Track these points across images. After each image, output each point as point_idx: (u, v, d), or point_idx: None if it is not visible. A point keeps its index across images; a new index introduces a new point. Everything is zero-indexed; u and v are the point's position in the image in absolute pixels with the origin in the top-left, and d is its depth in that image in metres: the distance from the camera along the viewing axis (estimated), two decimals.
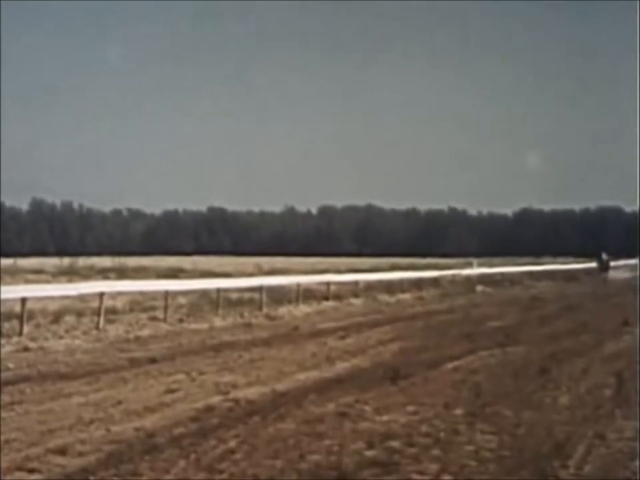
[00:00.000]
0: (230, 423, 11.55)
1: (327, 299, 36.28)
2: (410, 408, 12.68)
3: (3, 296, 22.84)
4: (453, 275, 53.25)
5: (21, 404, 12.90)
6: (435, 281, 48.48)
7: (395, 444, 10.32)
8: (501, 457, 9.77)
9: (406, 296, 41.09)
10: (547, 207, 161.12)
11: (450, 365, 17.31)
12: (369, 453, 9.88)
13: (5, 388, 14.17)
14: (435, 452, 9.96)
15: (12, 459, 9.42)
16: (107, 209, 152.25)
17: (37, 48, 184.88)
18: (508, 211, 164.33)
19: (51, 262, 58.43)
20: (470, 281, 50.92)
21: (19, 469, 9.05)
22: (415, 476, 9.01)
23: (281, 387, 14.66)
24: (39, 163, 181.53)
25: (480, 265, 63.22)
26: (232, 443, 10.25)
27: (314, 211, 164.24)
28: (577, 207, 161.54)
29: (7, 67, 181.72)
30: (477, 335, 22.82)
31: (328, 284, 38.63)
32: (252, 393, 13.98)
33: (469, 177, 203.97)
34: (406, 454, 9.86)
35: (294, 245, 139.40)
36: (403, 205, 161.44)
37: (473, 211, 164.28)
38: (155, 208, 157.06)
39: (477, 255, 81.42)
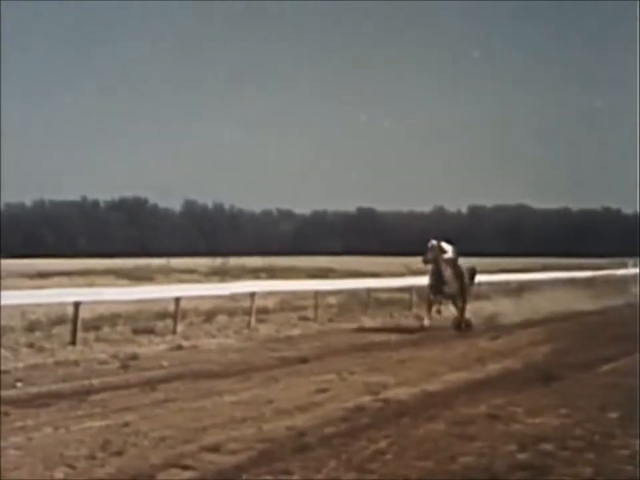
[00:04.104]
0: (380, 423, 11.51)
1: (477, 298, 35.86)
2: (563, 410, 12.41)
3: (158, 295, 23.48)
4: (607, 275, 52.04)
5: (174, 401, 13.15)
6: (587, 282, 47.42)
7: (547, 447, 10.11)
8: None
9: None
10: None
11: (604, 367, 16.91)
12: (521, 456, 9.70)
13: (159, 385, 14.49)
14: (589, 455, 9.71)
15: (166, 456, 9.59)
16: (257, 209, 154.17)
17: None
18: None
19: (202, 262, 59.58)
20: (624, 282, 49.61)
21: (173, 465, 9.18)
22: None
23: (431, 387, 14.58)
24: (190, 165, 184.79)
25: (635, 266, 61.50)
26: (382, 444, 10.21)
27: (463, 210, 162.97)
28: None
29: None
30: (632, 336, 22.21)
31: (478, 284, 38.23)
32: (402, 393, 13.94)
33: (623, 176, 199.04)
34: (559, 457, 9.65)
35: None
36: (554, 204, 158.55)
37: (628, 210, 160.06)
38: (304, 208, 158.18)
39: (632, 255, 79.09)
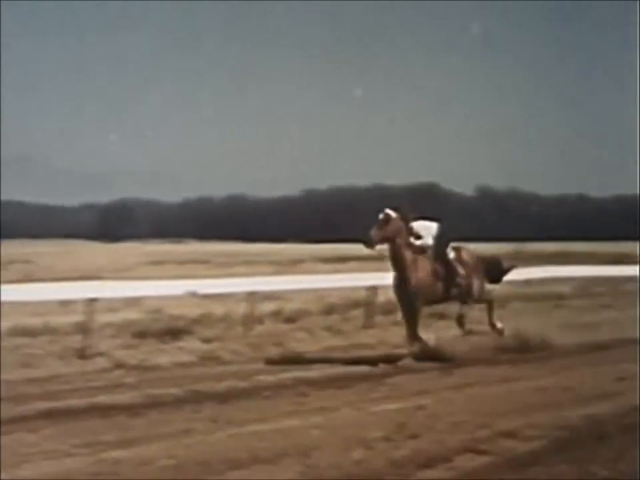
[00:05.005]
0: None
1: None
2: None
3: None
4: None
5: (469, 386, 13.16)
6: None
7: None
8: None
9: None
10: None
11: None
12: None
13: (455, 370, 14.51)
14: None
15: (461, 440, 9.57)
16: (553, 192, 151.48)
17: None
18: None
19: (495, 247, 58.99)
20: None
21: (469, 450, 9.15)
22: None
23: None
24: (482, 150, 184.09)
25: None
26: None
27: None
28: None
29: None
30: None
31: None
32: None
33: None
34: None
35: None
36: None
37: None
38: (601, 191, 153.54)
39: None
